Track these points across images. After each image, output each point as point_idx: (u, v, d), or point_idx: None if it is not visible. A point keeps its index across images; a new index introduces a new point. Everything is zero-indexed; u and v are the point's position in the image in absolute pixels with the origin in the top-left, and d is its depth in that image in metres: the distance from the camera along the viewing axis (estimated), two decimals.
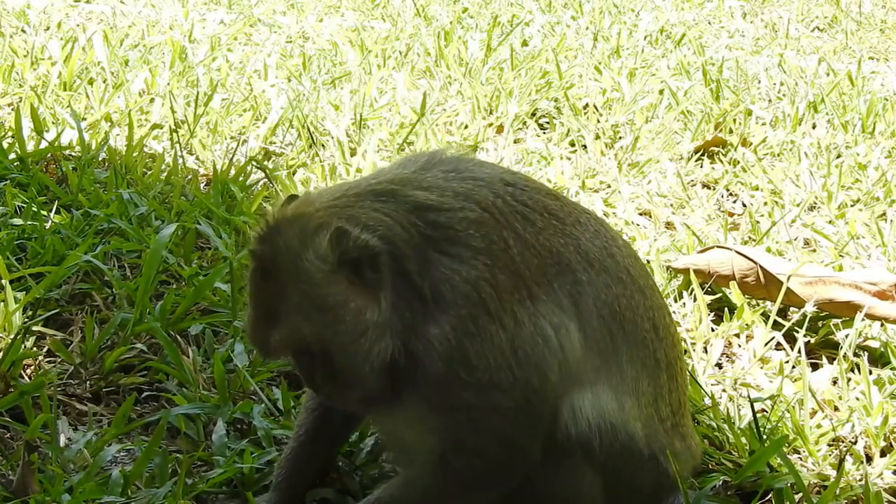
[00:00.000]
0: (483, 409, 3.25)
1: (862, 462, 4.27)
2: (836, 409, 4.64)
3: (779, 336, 5.15)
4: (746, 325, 5.34)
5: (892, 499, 4.11)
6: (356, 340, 3.22)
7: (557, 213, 3.47)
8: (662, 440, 3.48)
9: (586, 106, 8.85)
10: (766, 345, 5.12)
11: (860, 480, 4.08)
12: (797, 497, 3.92)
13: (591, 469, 3.36)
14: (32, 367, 4.43)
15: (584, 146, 8.03)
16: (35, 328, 4.58)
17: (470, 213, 3.30)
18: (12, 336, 4.40)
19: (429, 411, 3.31)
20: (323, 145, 7.44)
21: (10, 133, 6.68)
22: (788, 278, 5.37)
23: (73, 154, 6.66)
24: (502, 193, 3.38)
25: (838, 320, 5.37)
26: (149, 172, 6.50)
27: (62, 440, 3.94)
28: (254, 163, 6.73)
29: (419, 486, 3.42)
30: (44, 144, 6.55)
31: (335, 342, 3.24)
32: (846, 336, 5.15)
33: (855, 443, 4.38)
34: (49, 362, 4.51)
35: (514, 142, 8.04)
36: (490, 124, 8.29)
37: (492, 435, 3.29)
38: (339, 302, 3.21)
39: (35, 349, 4.51)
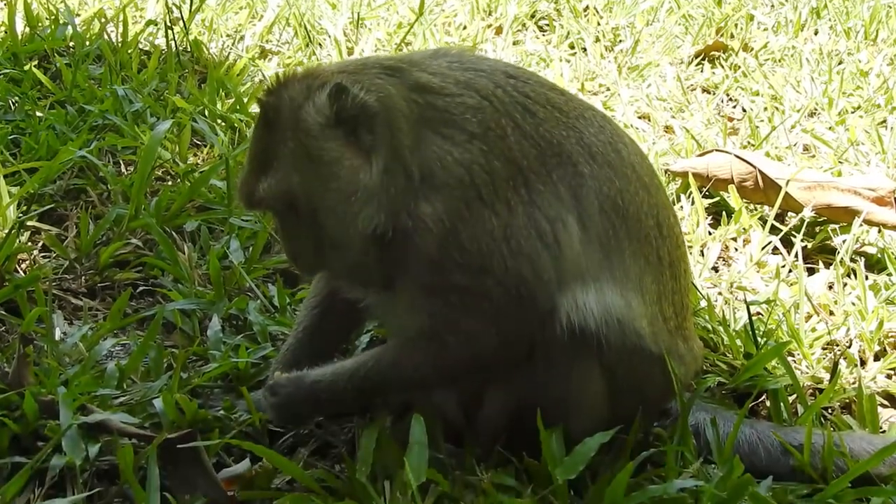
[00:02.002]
0: (475, 292, 3.24)
1: (856, 365, 4.28)
2: (831, 313, 4.65)
3: (776, 240, 5.15)
4: (744, 229, 5.33)
5: (884, 402, 4.13)
6: (346, 200, 3.20)
7: (561, 107, 3.42)
8: (667, 340, 3.47)
9: (586, 8, 8.77)
10: (762, 249, 5.11)
11: (854, 383, 4.09)
12: (791, 399, 3.93)
13: (601, 369, 3.35)
14: (27, 262, 4.42)
15: (584, 49, 7.96)
16: (30, 223, 4.56)
17: (469, 99, 3.28)
18: (7, 230, 4.38)
19: (421, 294, 3.29)
20: (320, 44, 7.38)
21: (3, 28, 6.61)
22: (787, 183, 5.35)
23: (68, 50, 6.59)
24: (503, 84, 3.35)
25: (836, 226, 5.36)
26: (144, 69, 6.44)
27: (57, 334, 3.94)
28: (250, 61, 6.66)
29: (407, 357, 3.38)
30: (37, 40, 6.48)
31: (325, 199, 3.22)
32: (843, 241, 5.15)
33: (849, 346, 4.39)
34: (44, 257, 4.49)
35: (513, 43, 7.98)
36: (489, 25, 8.22)
37: (482, 319, 3.27)
38: (332, 158, 3.20)
39: (30, 244, 4.49)
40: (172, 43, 6.63)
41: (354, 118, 3.18)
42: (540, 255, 3.24)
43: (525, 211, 3.23)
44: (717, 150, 5.82)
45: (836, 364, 4.07)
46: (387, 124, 3.20)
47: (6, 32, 6.43)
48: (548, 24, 8.63)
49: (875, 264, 5.17)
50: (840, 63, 8.18)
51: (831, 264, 5.01)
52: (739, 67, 7.86)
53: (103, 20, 6.99)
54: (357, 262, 3.32)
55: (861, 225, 5.21)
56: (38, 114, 5.48)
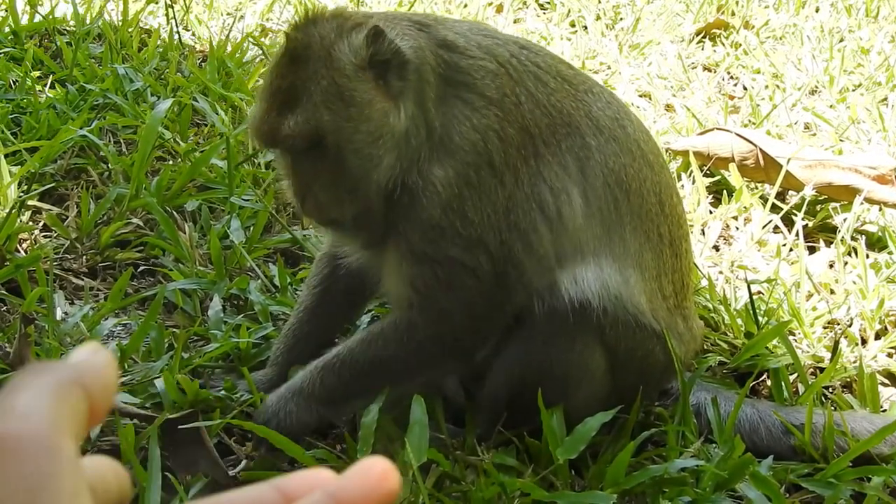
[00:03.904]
0: (465, 266, 3.24)
1: (857, 344, 4.29)
2: (832, 292, 4.65)
3: (776, 219, 5.14)
4: (745, 207, 5.33)
5: (885, 380, 4.14)
6: (374, 143, 3.19)
7: (570, 80, 3.44)
8: (665, 317, 3.47)
9: None
10: (763, 227, 5.11)
11: (854, 362, 4.09)
12: (792, 378, 3.94)
13: (601, 346, 3.35)
14: (28, 242, 4.41)
15: (585, 27, 7.95)
16: (31, 203, 4.56)
17: (489, 64, 3.30)
18: (7, 210, 4.38)
19: (411, 258, 3.28)
20: None
21: (3, 6, 6.59)
22: (788, 161, 5.34)
23: (68, 28, 6.58)
24: (517, 54, 3.38)
25: (837, 204, 5.36)
26: (144, 48, 6.43)
27: (59, 313, 3.94)
28: (250, 39, 6.65)
29: (380, 340, 3.39)
30: (38, 18, 6.47)
31: (353, 140, 3.18)
32: (844, 220, 5.15)
33: (850, 325, 4.39)
34: (45, 237, 4.49)
35: (514, 21, 7.96)
36: (490, 3, 8.19)
37: (463, 298, 3.27)
38: (364, 100, 3.18)
39: (31, 224, 4.49)
40: (173, 21, 6.61)
41: (387, 63, 3.17)
42: (537, 229, 3.25)
43: (530, 182, 3.24)
44: (717, 129, 5.81)
45: (836, 343, 4.08)
46: (417, 74, 3.21)
47: (7, 11, 6.40)
48: (548, 2, 8.61)
49: (876, 243, 5.17)
50: (841, 41, 8.16)
51: (832, 243, 5.01)
52: (740, 45, 7.84)
53: None
54: (364, 211, 3.30)
55: (862, 203, 5.21)
56: (39, 88, 5.47)
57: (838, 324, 4.41)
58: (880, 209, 5.33)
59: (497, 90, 3.26)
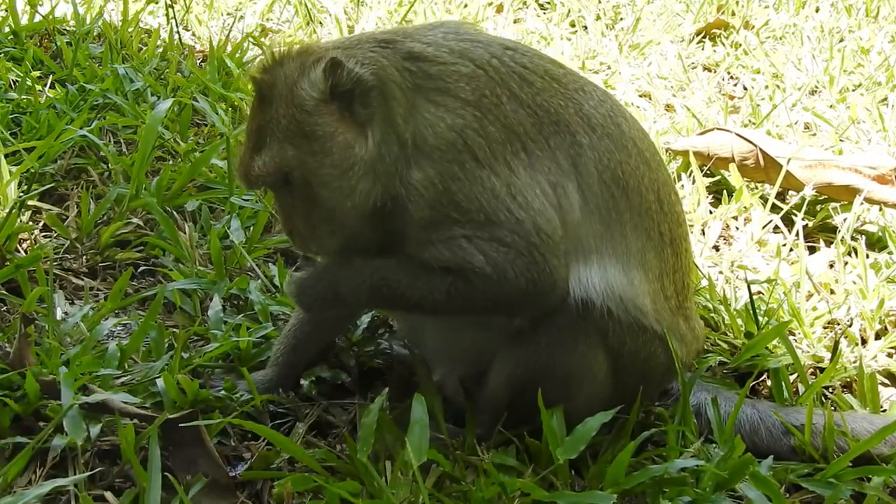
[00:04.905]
0: (483, 238, 3.21)
1: (857, 344, 4.28)
2: (832, 292, 4.65)
3: (777, 219, 5.14)
4: (745, 207, 5.32)
5: (885, 380, 4.13)
6: (343, 174, 3.21)
7: (559, 79, 3.42)
8: (668, 318, 3.46)
9: None
10: (763, 227, 5.11)
11: (854, 362, 4.09)
12: (792, 378, 3.94)
13: (604, 348, 3.34)
14: (28, 242, 4.41)
15: (585, 27, 7.94)
16: (31, 202, 4.56)
17: (463, 68, 3.28)
18: (8, 209, 4.38)
19: (425, 247, 3.25)
20: (320, 22, 7.36)
21: (3, 6, 6.59)
22: (788, 161, 5.34)
23: (68, 28, 6.58)
24: (500, 55, 3.36)
25: (837, 204, 5.36)
26: (144, 48, 6.43)
27: (59, 313, 3.93)
28: (250, 39, 6.65)
29: (425, 280, 3.28)
30: (38, 18, 6.46)
31: (319, 173, 3.22)
32: (844, 220, 5.14)
33: (850, 325, 4.39)
34: (45, 237, 4.49)
35: (514, 21, 7.96)
36: (490, 3, 8.19)
37: (500, 261, 3.21)
38: (327, 133, 3.20)
39: (31, 223, 4.48)
40: (173, 21, 6.61)
41: (350, 92, 3.19)
42: (549, 210, 3.23)
43: (527, 172, 3.23)
44: (718, 129, 5.81)
45: (836, 343, 4.07)
46: (381, 96, 3.21)
47: (7, 11, 6.40)
48: (548, 2, 8.61)
49: (876, 243, 5.17)
50: (841, 40, 8.16)
51: (832, 243, 5.01)
52: (740, 45, 7.84)
53: None
54: (352, 236, 3.32)
55: (862, 203, 5.21)
56: (39, 88, 5.46)
57: (838, 324, 4.40)
58: (880, 209, 5.33)
59: (473, 92, 3.24)
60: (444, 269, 3.26)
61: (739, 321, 4.26)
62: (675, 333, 3.46)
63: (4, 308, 3.97)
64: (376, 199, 3.24)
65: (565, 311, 3.27)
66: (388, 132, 3.22)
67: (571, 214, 3.26)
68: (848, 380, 4.07)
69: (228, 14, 7.39)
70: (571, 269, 3.29)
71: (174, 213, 4.63)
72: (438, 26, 3.44)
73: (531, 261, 3.22)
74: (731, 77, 7.49)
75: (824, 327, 4.39)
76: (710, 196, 5.42)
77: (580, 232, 3.28)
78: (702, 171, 5.45)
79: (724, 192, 5.48)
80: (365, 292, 3.32)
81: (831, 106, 6.80)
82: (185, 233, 4.47)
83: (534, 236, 3.21)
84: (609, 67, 7.26)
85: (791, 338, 4.21)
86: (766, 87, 7.14)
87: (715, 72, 7.41)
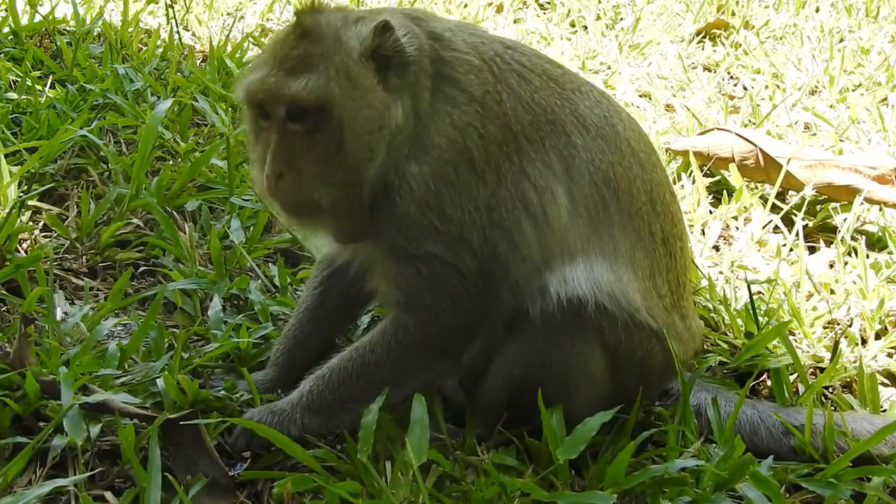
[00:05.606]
0: (447, 263, 3.24)
1: (857, 344, 4.28)
2: (832, 292, 4.65)
3: (777, 219, 5.14)
4: (745, 207, 5.32)
5: (885, 380, 4.13)
6: (373, 132, 3.19)
7: (557, 78, 3.45)
8: (662, 316, 3.47)
9: None
10: (763, 228, 5.11)
11: (854, 362, 4.09)
12: (792, 378, 3.94)
13: (600, 346, 3.35)
14: (28, 242, 4.41)
15: (585, 27, 7.94)
16: (31, 202, 4.55)
17: (474, 59, 3.31)
18: (8, 210, 4.37)
19: (393, 257, 3.28)
20: None
21: (3, 6, 6.59)
22: (788, 161, 5.34)
23: (68, 28, 6.58)
24: (501, 53, 3.39)
25: (837, 204, 5.35)
26: (144, 48, 6.42)
27: (59, 314, 3.93)
28: (250, 39, 6.65)
29: (368, 346, 3.38)
30: (38, 18, 6.46)
31: (356, 120, 3.17)
32: (844, 220, 5.14)
33: (850, 325, 4.39)
34: (45, 237, 4.48)
35: (514, 21, 7.96)
36: (490, 3, 8.19)
37: (448, 296, 3.27)
38: (367, 86, 3.19)
39: (31, 223, 4.48)
40: (173, 21, 6.61)
41: (388, 59, 3.20)
42: (522, 229, 3.26)
43: (514, 180, 3.26)
44: (718, 129, 5.81)
45: (836, 343, 4.07)
46: (415, 75, 3.24)
47: (7, 11, 6.40)
48: (548, 2, 8.61)
49: (876, 243, 5.17)
50: (841, 41, 8.16)
51: (832, 243, 5.01)
52: (740, 45, 7.84)
53: None
54: (347, 200, 3.26)
55: (862, 203, 5.21)
56: (39, 88, 5.46)
57: (838, 324, 4.40)
58: (880, 209, 5.33)
59: (480, 86, 3.27)
60: (395, 312, 3.34)
61: (739, 321, 4.26)
62: (672, 331, 3.46)
63: (4, 308, 3.97)
64: (379, 176, 3.24)
65: (555, 311, 3.29)
66: (410, 111, 3.24)
67: (558, 220, 3.28)
68: (848, 380, 4.07)
69: (228, 14, 7.39)
70: (556, 269, 3.30)
71: (174, 213, 4.63)
72: (449, 20, 3.50)
73: (473, 296, 3.30)
74: (731, 77, 7.49)
75: (824, 327, 4.39)
76: (710, 196, 5.42)
77: (566, 234, 3.30)
78: (702, 171, 5.45)
79: (724, 192, 5.48)
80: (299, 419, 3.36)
81: (831, 106, 6.80)
82: (185, 233, 4.47)
83: (487, 265, 3.29)
84: (609, 67, 7.26)
85: (791, 338, 4.21)
86: (766, 87, 7.14)
87: (715, 72, 7.41)
